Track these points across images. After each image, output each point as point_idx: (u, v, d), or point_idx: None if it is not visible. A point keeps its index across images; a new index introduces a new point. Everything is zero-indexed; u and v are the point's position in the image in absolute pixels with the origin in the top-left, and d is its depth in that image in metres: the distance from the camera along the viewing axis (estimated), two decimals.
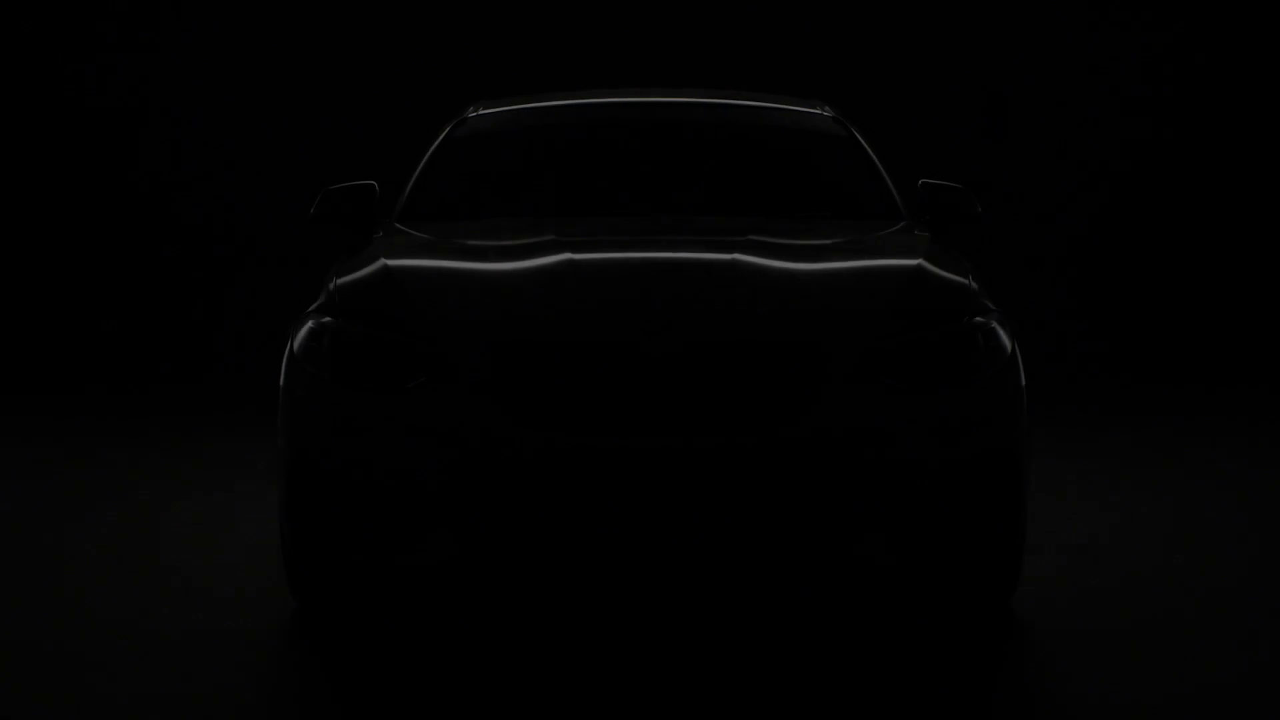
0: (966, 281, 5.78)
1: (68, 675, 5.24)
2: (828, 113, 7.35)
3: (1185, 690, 5.14)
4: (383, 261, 5.82)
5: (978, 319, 5.60)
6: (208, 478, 8.43)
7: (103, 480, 8.40)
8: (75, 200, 13.50)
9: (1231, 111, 13.59)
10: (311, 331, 5.59)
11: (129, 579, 6.41)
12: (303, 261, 9.75)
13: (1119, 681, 5.20)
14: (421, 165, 7.02)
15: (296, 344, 5.60)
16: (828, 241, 6.25)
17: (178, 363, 12.52)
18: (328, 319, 5.60)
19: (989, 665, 5.44)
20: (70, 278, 13.36)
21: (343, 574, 5.75)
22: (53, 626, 5.77)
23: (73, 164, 13.51)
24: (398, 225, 6.60)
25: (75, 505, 7.76)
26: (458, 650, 5.51)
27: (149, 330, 13.02)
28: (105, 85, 13.56)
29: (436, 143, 7.13)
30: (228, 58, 13.54)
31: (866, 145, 7.13)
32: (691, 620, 5.81)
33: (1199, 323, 13.22)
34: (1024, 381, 5.58)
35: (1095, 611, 5.97)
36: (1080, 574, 6.48)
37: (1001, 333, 5.62)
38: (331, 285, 5.78)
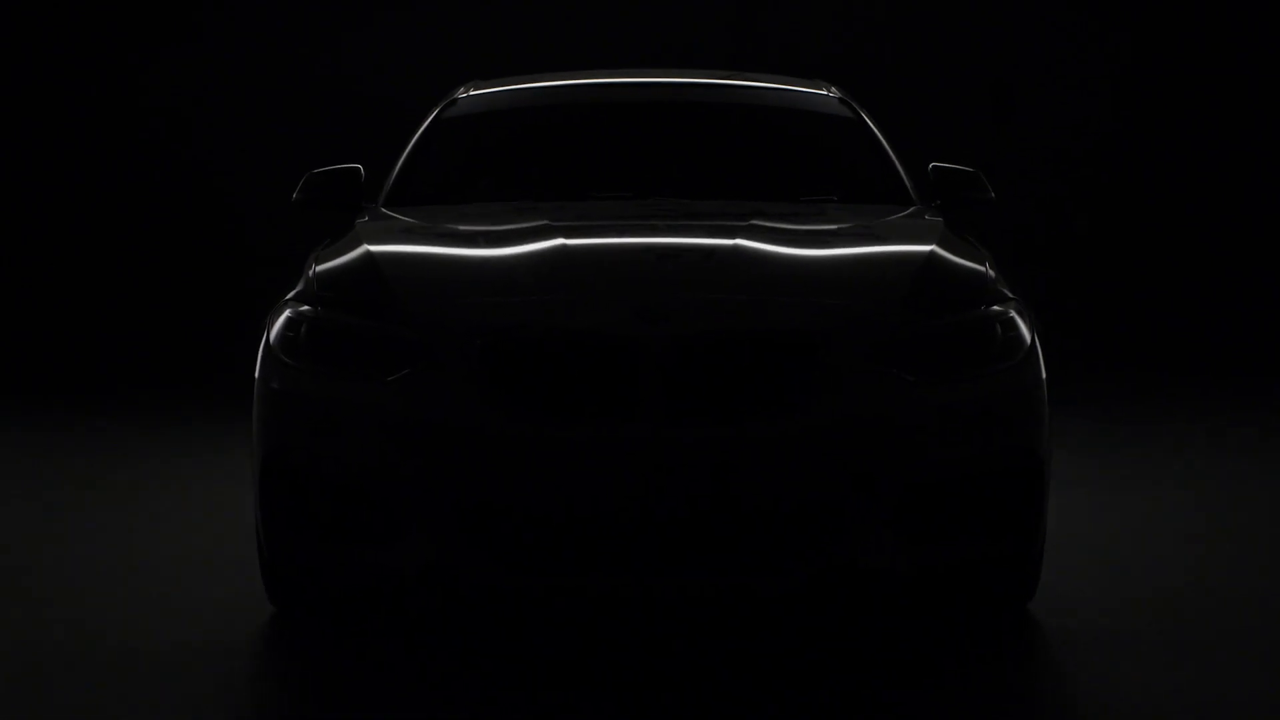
0: (983, 268, 5.59)
1: (47, 687, 5.11)
2: (834, 93, 7.17)
3: (1202, 695, 5.02)
4: (365, 247, 5.65)
5: (995, 308, 5.42)
6: (188, 478, 8.35)
7: (81, 483, 8.29)
8: (68, 197, 13.39)
9: (1237, 101, 13.48)
10: (289, 321, 5.41)
11: (105, 585, 6.29)
12: (286, 248, 9.58)
13: (1136, 687, 5.08)
14: (409, 148, 6.89)
15: (273, 334, 5.44)
16: (835, 227, 6.10)
17: (157, 361, 12.42)
18: (305, 307, 5.42)
19: (1004, 671, 5.31)
20: (60, 275, 13.24)
21: (321, 577, 5.57)
22: (31, 635, 5.64)
23: (62, 161, 13.38)
24: (383, 210, 6.44)
25: (53, 510, 7.68)
26: (444, 655, 5.38)
27: (126, 328, 12.90)
28: (93, 77, 13.42)
29: (425, 124, 7.00)
30: (214, 43, 13.40)
31: (874, 127, 6.93)
32: (691, 622, 5.68)
33: (1205, 311, 13.13)
34: (1045, 374, 5.36)
35: (1112, 615, 5.85)
36: (1097, 576, 6.36)
37: (1020, 322, 5.41)
38: (310, 272, 5.63)
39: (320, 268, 5.60)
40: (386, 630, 5.63)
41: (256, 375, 5.41)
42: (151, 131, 13.44)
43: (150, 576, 6.34)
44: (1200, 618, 5.81)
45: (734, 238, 5.56)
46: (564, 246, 5.48)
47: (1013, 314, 5.42)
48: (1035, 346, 5.42)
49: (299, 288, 5.57)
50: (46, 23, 13.47)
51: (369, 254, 5.58)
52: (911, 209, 6.48)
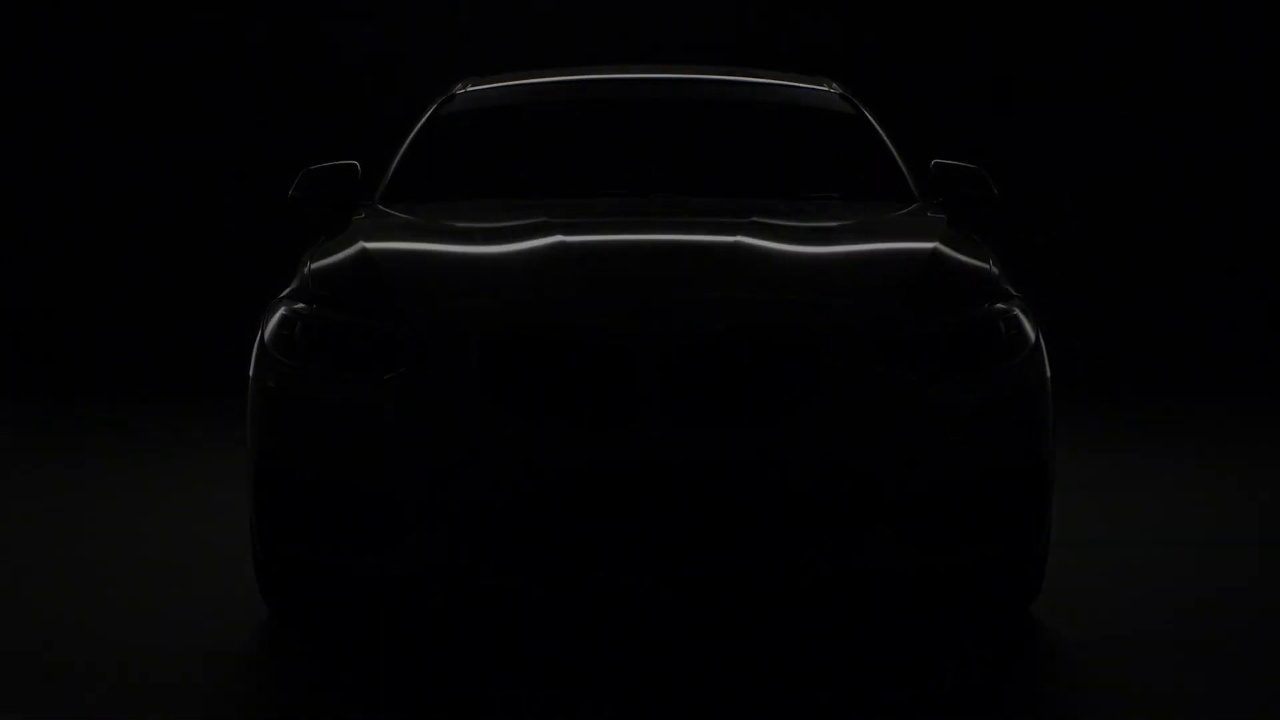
0: (987, 266, 5.53)
1: (41, 688, 5.05)
2: (835, 89, 7.11)
3: (1206, 697, 4.98)
4: (361, 244, 5.58)
5: (999, 306, 5.36)
6: (178, 477, 8.28)
7: (69, 481, 8.23)
8: (63, 195, 13.34)
9: (1239, 98, 13.44)
10: (283, 319, 5.35)
11: (98, 585, 6.25)
12: (281, 245, 9.54)
13: (1139, 688, 5.04)
14: (406, 144, 6.83)
15: (267, 332, 5.37)
16: (836, 224, 6.04)
17: (147, 355, 12.37)
18: (300, 305, 5.36)
19: (1005, 671, 5.27)
20: (55, 274, 13.19)
21: (316, 578, 5.49)
22: (25, 636, 5.59)
23: (59, 158, 13.33)
24: (380, 207, 6.37)
25: (47, 510, 7.64)
26: (444, 655, 5.32)
27: (120, 326, 12.84)
28: (90, 74, 13.37)
29: (422, 120, 6.94)
30: (210, 40, 13.35)
31: (876, 123, 6.88)
32: (691, 622, 5.64)
33: (1208, 308, 13.08)
34: (1049, 373, 5.31)
35: (1115, 615, 5.82)
36: (1100, 576, 6.33)
37: (1025, 321, 5.36)
38: (306, 269, 5.56)
39: (316, 265, 5.54)
40: (386, 630, 5.57)
41: (251, 374, 5.34)
42: (148, 128, 13.39)
43: (144, 576, 6.30)
44: (1205, 618, 5.77)
45: (734, 235, 5.49)
46: (562, 244, 5.42)
47: (1016, 312, 5.37)
48: (1039, 345, 5.36)
49: (294, 285, 5.50)
50: (44, 20, 13.43)
51: (365, 251, 5.52)
52: (914, 206, 6.42)
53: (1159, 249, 13.35)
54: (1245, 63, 13.46)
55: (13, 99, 13.40)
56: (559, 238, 5.45)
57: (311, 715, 4.88)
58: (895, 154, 6.79)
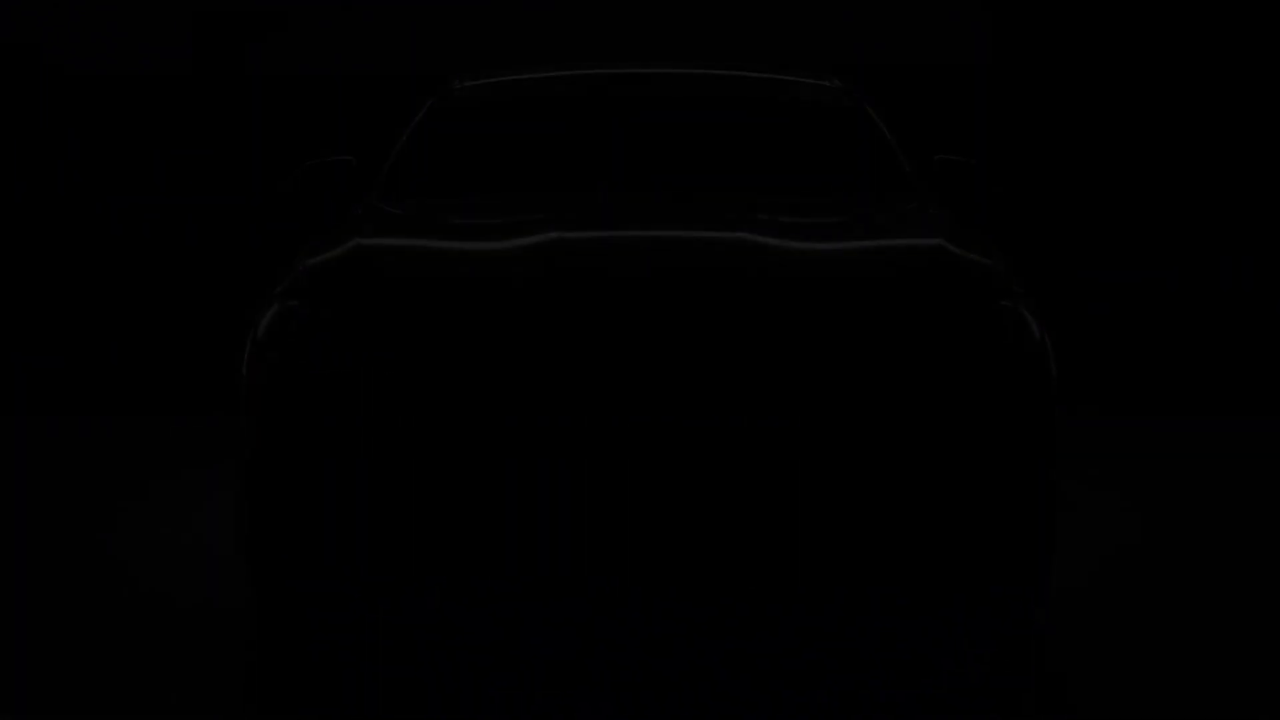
0: (991, 263, 5.48)
1: (26, 693, 5.04)
2: (837, 85, 7.09)
3: (1208, 698, 4.97)
4: (356, 240, 5.53)
5: (1004, 303, 5.31)
6: (171, 476, 8.26)
7: (62, 481, 8.19)
8: (61, 192, 13.33)
9: (1242, 98, 13.43)
10: (276, 316, 5.30)
11: (92, 586, 6.23)
12: (277, 242, 9.52)
13: (1140, 689, 5.04)
14: (401, 141, 6.81)
15: (260, 330, 5.34)
16: (838, 220, 5.98)
17: (142, 352, 12.35)
18: (294, 302, 5.31)
19: (1005, 671, 5.27)
20: (55, 271, 13.19)
21: (312, 578, 5.43)
22: (8, 639, 5.58)
23: (56, 156, 13.32)
24: (375, 203, 6.33)
25: (34, 507, 7.59)
26: (444, 654, 5.31)
27: (112, 322, 12.83)
28: (85, 69, 13.37)
29: (417, 117, 6.90)
30: (206, 34, 13.34)
31: (878, 119, 6.85)
32: (691, 622, 5.64)
33: (1212, 304, 13.07)
34: (1055, 372, 5.27)
35: (1118, 615, 5.82)
36: (1102, 576, 6.33)
37: (1030, 318, 5.32)
38: (300, 266, 5.48)
39: (310, 261, 5.50)
40: (386, 630, 5.55)
41: (244, 371, 5.30)
42: (147, 127, 13.39)
43: (137, 578, 6.30)
44: (1208, 618, 5.75)
45: (735, 230, 5.47)
46: (560, 240, 5.40)
47: (1022, 310, 5.32)
48: (1045, 343, 5.32)
49: (288, 281, 5.45)
50: (43, 19, 13.43)
51: (360, 247, 5.50)
52: (917, 202, 6.41)
53: (1160, 247, 13.34)
54: (1247, 61, 13.45)
55: (11, 98, 13.39)
56: (556, 233, 5.42)
57: (311, 716, 4.85)
58: (897, 149, 6.76)
